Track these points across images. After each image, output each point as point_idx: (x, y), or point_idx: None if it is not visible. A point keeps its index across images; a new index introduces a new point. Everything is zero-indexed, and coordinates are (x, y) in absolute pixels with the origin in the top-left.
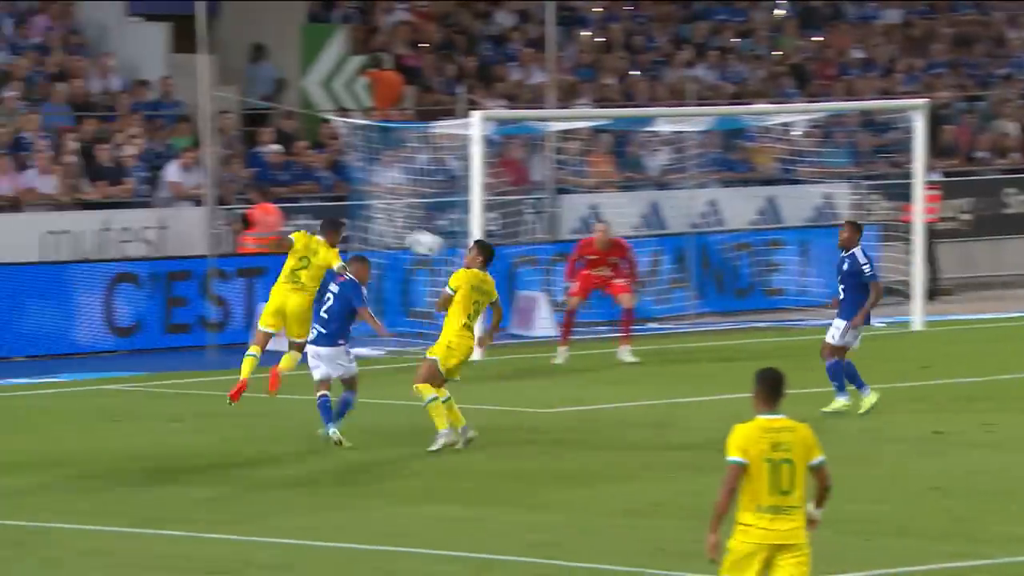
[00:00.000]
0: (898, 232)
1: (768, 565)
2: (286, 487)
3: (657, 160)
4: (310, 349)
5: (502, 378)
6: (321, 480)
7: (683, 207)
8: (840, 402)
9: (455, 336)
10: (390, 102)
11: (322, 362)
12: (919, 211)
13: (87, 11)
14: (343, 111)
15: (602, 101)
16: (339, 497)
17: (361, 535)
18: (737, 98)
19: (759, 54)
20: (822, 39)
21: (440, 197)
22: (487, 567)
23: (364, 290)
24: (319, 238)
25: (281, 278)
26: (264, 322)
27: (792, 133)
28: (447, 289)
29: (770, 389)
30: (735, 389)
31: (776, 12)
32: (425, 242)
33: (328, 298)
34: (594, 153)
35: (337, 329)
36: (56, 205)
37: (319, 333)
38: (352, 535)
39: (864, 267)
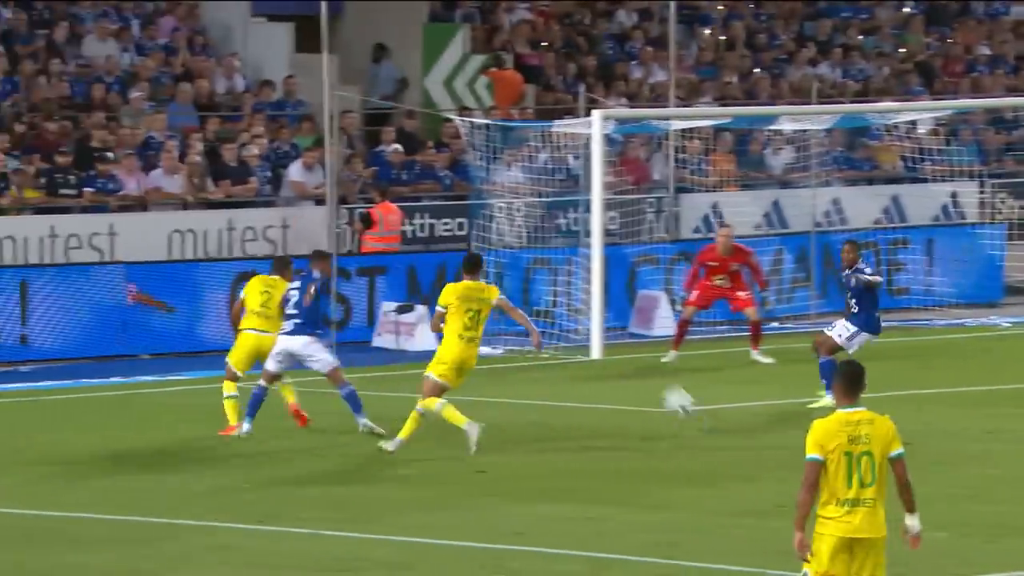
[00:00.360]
0: None
1: (852, 559)
2: (401, 485)
3: (780, 159)
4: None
5: (623, 377)
6: (436, 478)
7: (805, 206)
8: (828, 400)
9: (445, 349)
10: (511, 101)
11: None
12: None
13: (212, 12)
14: (464, 110)
15: (724, 99)
16: (454, 496)
17: (478, 533)
18: (861, 96)
19: (884, 51)
20: (949, 36)
21: (560, 196)
22: (605, 566)
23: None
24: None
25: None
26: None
27: (918, 131)
28: (439, 307)
29: (849, 382)
30: None
31: (903, 9)
32: (673, 401)
33: (292, 295)
34: (715, 152)
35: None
36: (182, 204)
37: (294, 325)
38: (469, 533)
39: (871, 275)
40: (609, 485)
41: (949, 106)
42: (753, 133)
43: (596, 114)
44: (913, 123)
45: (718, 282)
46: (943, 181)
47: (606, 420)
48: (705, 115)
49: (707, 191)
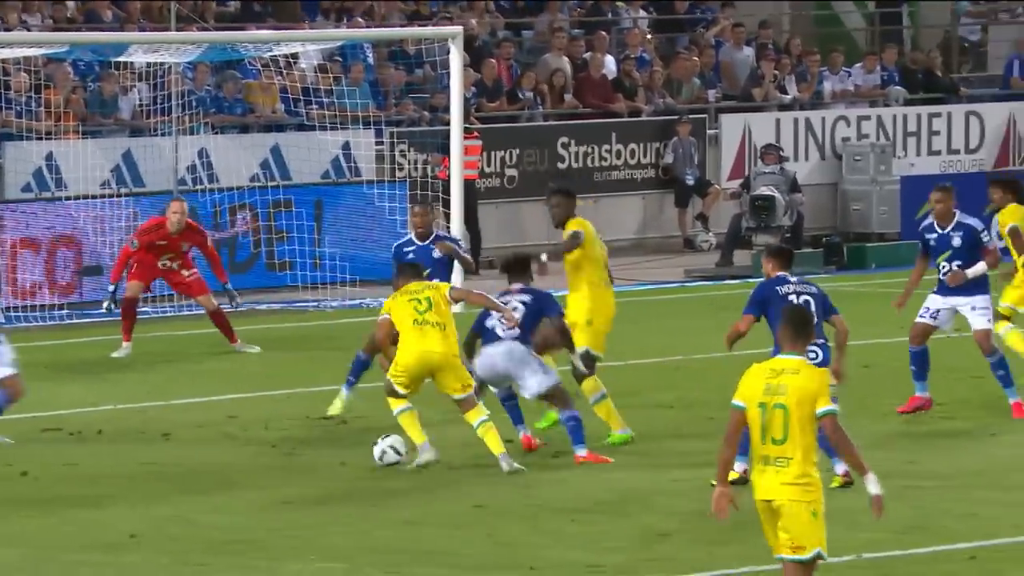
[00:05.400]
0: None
1: (771, 524)
2: None
3: (131, 99)
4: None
5: None
6: None
7: (166, 158)
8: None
9: (398, 351)
10: None
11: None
12: (457, 165)
13: None
14: None
15: (59, 22)
16: None
17: None
18: (234, 21)
19: None
20: None
21: None
22: None
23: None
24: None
25: None
26: None
27: (301, 66)
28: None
29: (793, 327)
30: None
31: None
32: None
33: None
34: (50, 89)
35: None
36: None
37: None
38: None
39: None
40: None
41: (338, 36)
42: (99, 66)
43: None
44: (295, 56)
45: (165, 264)
46: (333, 129)
47: None
48: (32, 41)
49: (40, 139)
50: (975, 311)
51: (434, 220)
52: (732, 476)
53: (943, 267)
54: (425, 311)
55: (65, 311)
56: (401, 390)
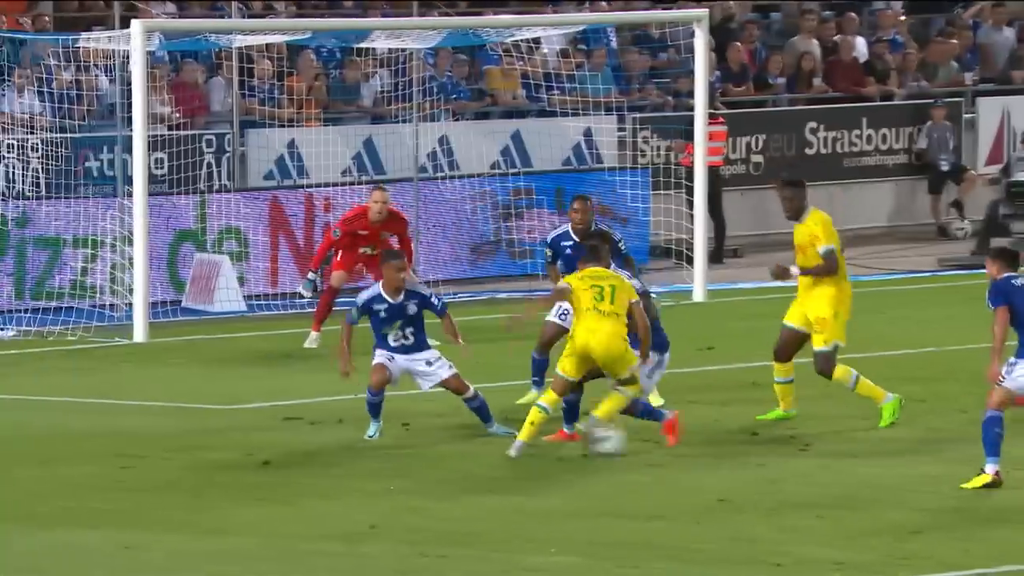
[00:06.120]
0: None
1: None
2: None
3: (372, 86)
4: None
5: (173, 365)
6: None
7: (406, 145)
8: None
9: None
10: (17, 6)
11: None
12: (701, 152)
13: None
14: None
15: (303, 8)
16: None
17: None
18: (475, 7)
19: None
20: None
21: (90, 132)
22: None
23: None
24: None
25: None
26: None
27: (543, 52)
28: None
29: None
30: None
31: None
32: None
33: None
34: (292, 76)
35: None
36: None
37: None
38: None
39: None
40: (152, 503)
41: (581, 20)
42: (340, 52)
43: (136, 25)
44: (537, 41)
45: (365, 251)
46: (575, 115)
47: (150, 421)
48: (277, 28)
49: (282, 126)
50: None
51: (593, 217)
52: (985, 480)
53: None
54: (603, 301)
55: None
56: (569, 376)
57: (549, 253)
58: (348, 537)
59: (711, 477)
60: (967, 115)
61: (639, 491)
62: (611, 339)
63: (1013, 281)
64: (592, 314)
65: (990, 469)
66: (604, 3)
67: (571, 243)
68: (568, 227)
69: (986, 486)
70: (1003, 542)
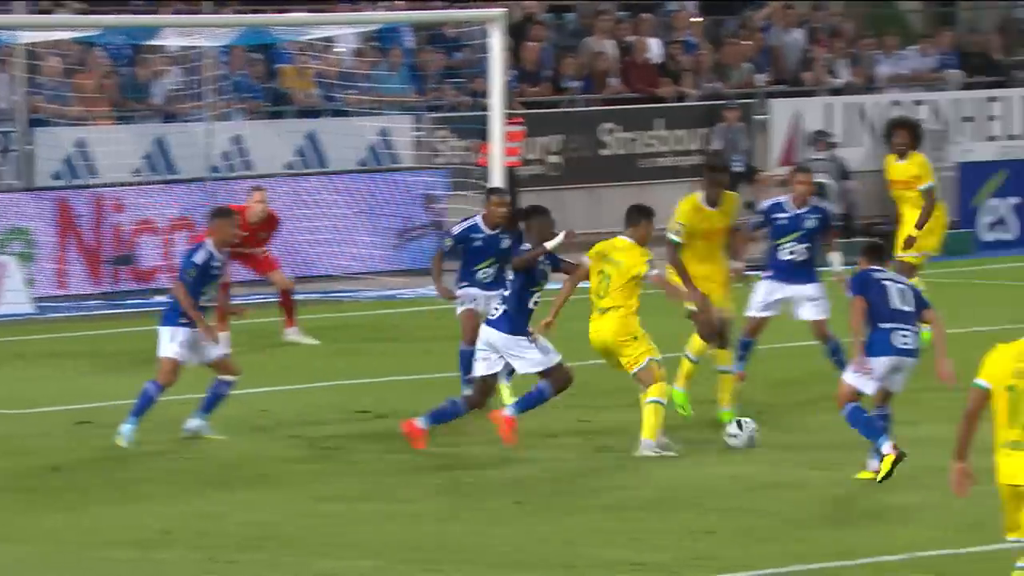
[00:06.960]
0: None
1: None
2: None
3: (164, 84)
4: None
5: None
6: None
7: (198, 144)
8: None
9: None
10: None
11: None
12: (497, 152)
13: None
14: None
15: (94, 5)
16: None
17: None
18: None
19: None
20: None
21: None
22: None
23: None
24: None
25: None
26: None
27: (337, 50)
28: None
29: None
30: None
31: None
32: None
33: None
34: (82, 74)
35: None
36: None
37: None
38: None
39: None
40: None
41: (376, 19)
42: (131, 50)
43: None
44: (332, 40)
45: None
46: (371, 115)
47: None
48: (65, 24)
49: (71, 124)
50: None
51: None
52: (890, 459)
53: None
54: (604, 298)
55: (95, 301)
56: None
57: (450, 244)
58: (140, 543)
59: (504, 477)
60: (759, 116)
61: (434, 493)
62: (604, 336)
63: (873, 274)
64: (593, 310)
65: (887, 448)
66: (400, 1)
67: (482, 235)
68: (478, 219)
69: (894, 464)
70: (820, 541)
